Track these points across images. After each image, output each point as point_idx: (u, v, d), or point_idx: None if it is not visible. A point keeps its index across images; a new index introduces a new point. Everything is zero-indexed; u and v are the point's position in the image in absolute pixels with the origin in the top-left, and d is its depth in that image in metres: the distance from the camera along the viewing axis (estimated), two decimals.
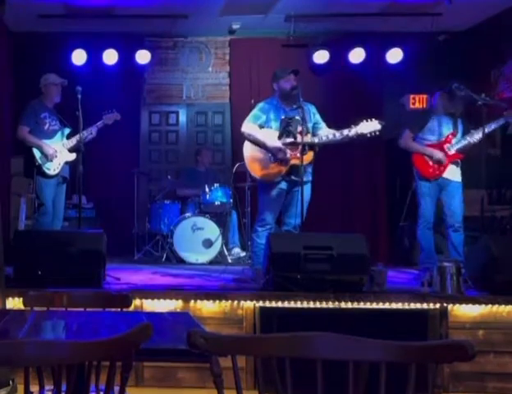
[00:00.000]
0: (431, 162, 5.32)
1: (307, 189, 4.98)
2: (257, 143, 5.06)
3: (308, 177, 5.03)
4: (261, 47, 7.73)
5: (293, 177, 4.99)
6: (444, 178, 5.32)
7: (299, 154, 4.89)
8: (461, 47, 7.41)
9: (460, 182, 5.34)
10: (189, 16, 7.15)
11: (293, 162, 4.96)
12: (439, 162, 5.29)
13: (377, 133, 4.88)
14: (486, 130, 5.17)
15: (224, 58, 8.14)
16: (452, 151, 5.30)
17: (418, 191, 5.40)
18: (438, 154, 5.29)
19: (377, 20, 7.11)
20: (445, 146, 5.32)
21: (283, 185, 5.05)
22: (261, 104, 5.19)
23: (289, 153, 4.97)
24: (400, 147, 5.53)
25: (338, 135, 4.92)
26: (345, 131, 4.89)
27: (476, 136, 5.24)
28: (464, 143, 5.29)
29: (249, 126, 5.10)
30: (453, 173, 5.34)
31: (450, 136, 5.34)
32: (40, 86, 5.70)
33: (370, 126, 4.84)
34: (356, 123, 4.88)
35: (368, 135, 4.88)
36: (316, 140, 4.98)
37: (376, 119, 4.88)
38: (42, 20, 7.02)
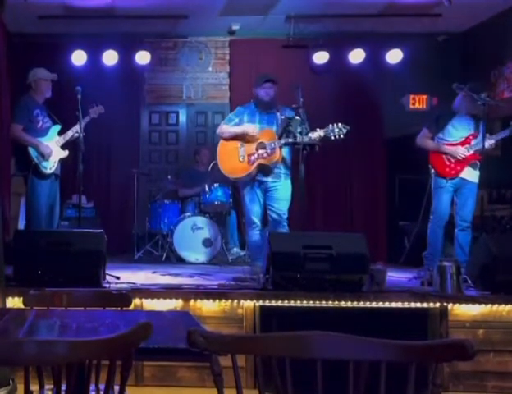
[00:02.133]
0: (448, 162, 5.30)
1: (284, 188, 5.15)
2: (232, 136, 5.24)
3: (281, 178, 5.17)
4: (261, 47, 7.74)
5: (260, 177, 5.17)
6: (461, 178, 5.29)
7: (265, 155, 5.08)
8: (461, 48, 7.42)
9: (476, 183, 5.31)
10: (189, 17, 7.16)
11: (260, 162, 5.12)
12: (462, 158, 5.26)
13: (342, 136, 5.01)
14: (508, 133, 5.16)
15: (224, 58, 8.15)
16: (471, 152, 5.27)
17: (433, 187, 5.37)
18: (459, 152, 5.26)
19: (376, 20, 7.12)
20: (465, 147, 5.28)
21: (255, 185, 5.20)
22: (238, 108, 5.43)
23: (257, 153, 5.11)
24: (417, 145, 5.50)
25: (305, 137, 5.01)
26: (309, 134, 4.98)
27: (491, 141, 5.20)
28: (482, 145, 5.20)
29: (222, 128, 5.34)
30: (470, 174, 5.30)
31: (470, 137, 5.30)
32: (29, 81, 5.60)
33: (335, 130, 4.96)
34: (323, 127, 5.02)
35: (333, 138, 5.00)
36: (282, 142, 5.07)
37: (341, 123, 5.02)
38: (42, 21, 7.02)
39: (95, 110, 5.68)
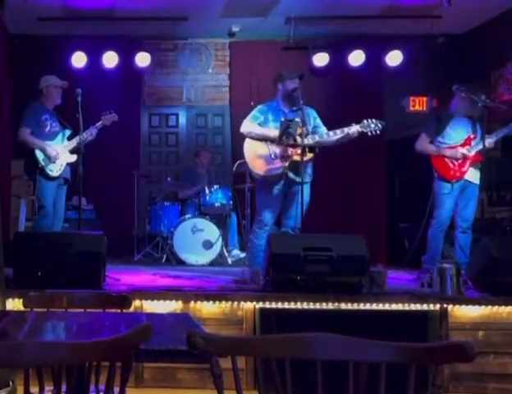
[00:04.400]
0: (451, 165, 5.29)
1: (306, 190, 4.99)
2: (258, 137, 5.06)
3: (306, 178, 5.02)
4: (261, 49, 7.74)
5: (291, 175, 5.00)
6: (465, 180, 5.28)
7: (299, 151, 4.91)
8: (461, 49, 7.42)
9: (478, 185, 5.31)
10: (190, 18, 7.16)
11: (294, 158, 4.96)
12: (464, 158, 5.26)
13: (378, 132, 4.92)
14: (507, 131, 5.16)
15: (224, 60, 8.15)
16: (472, 153, 5.27)
17: (437, 192, 5.34)
18: (460, 152, 5.26)
19: (376, 22, 7.12)
20: (466, 148, 5.28)
21: (281, 185, 5.04)
22: (260, 106, 5.23)
23: (290, 149, 4.98)
24: (417, 151, 5.47)
25: (339, 132, 4.95)
26: (346, 129, 4.92)
27: (490, 140, 5.21)
28: (482, 144, 5.22)
29: (248, 125, 5.12)
30: (473, 175, 5.29)
31: (469, 138, 5.30)
32: (40, 88, 5.70)
33: (371, 125, 4.89)
34: (358, 122, 4.93)
35: (369, 134, 4.91)
36: (316, 138, 4.98)
37: (376, 119, 4.93)
38: (42, 22, 7.03)
39: (108, 117, 5.75)
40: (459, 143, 5.31)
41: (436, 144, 5.38)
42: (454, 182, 5.26)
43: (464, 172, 5.25)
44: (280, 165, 5.01)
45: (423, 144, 5.43)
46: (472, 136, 5.30)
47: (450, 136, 5.34)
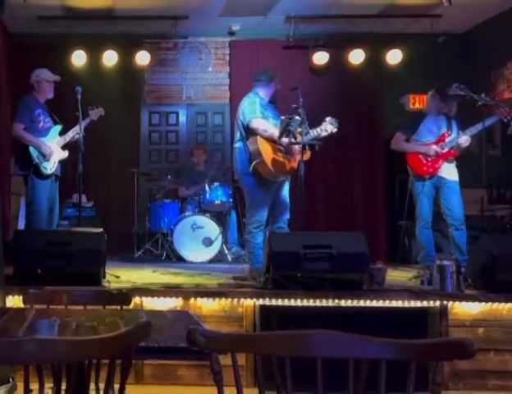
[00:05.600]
0: (424, 161, 5.37)
1: (287, 187, 5.12)
2: (270, 136, 4.98)
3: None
4: (261, 48, 7.73)
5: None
6: (439, 177, 5.35)
7: (304, 150, 4.93)
8: (460, 48, 7.43)
9: (457, 181, 5.36)
10: (190, 17, 7.15)
11: (300, 158, 4.95)
12: (436, 155, 5.33)
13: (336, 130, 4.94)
14: (481, 128, 5.20)
15: (224, 59, 8.14)
16: (446, 149, 5.34)
17: (413, 192, 5.45)
18: (433, 148, 5.33)
19: (376, 21, 7.12)
20: (440, 145, 5.36)
21: (277, 183, 5.07)
22: (258, 100, 5.10)
23: (296, 147, 4.98)
24: (392, 148, 5.61)
25: (315, 133, 4.97)
26: (322, 128, 4.94)
27: (464, 137, 5.28)
28: (456, 141, 5.32)
29: (261, 122, 5.00)
30: (448, 172, 5.37)
31: (444, 135, 5.38)
32: (32, 82, 5.61)
33: (334, 123, 4.94)
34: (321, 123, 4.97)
35: (333, 131, 4.95)
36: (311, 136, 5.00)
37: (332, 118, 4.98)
38: (41, 21, 7.03)
39: (95, 112, 5.70)
40: (434, 140, 5.40)
41: (412, 141, 5.47)
42: (427, 178, 5.35)
43: (438, 168, 5.35)
44: (292, 167, 5.03)
45: (398, 142, 5.56)
46: (447, 133, 5.38)
47: (425, 134, 5.46)
